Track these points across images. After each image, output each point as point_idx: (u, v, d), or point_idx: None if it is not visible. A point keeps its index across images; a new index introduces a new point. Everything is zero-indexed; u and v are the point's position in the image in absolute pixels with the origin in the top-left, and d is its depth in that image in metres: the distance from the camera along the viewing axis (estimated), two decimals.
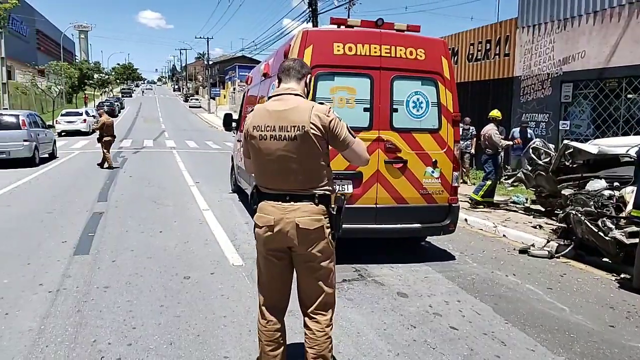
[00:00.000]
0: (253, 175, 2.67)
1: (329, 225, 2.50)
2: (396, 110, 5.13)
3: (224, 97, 65.08)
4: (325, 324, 2.56)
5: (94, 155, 17.61)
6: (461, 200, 6.88)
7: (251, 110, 2.64)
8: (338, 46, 4.97)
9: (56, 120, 27.56)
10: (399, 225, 5.22)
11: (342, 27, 5.20)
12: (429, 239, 6.37)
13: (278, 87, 2.63)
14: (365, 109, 5.04)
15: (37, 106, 37.58)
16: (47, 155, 15.73)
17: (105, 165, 13.60)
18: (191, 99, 72.86)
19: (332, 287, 2.62)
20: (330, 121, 2.42)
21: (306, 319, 2.62)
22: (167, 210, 8.14)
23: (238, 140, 8.87)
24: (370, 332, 3.66)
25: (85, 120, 28.11)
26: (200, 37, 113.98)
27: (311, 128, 2.37)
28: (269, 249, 2.54)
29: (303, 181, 2.45)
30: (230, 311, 3.95)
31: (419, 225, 5.27)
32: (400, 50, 5.11)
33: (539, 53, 12.50)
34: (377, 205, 5.14)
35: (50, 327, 3.57)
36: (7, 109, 20.75)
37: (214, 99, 59.45)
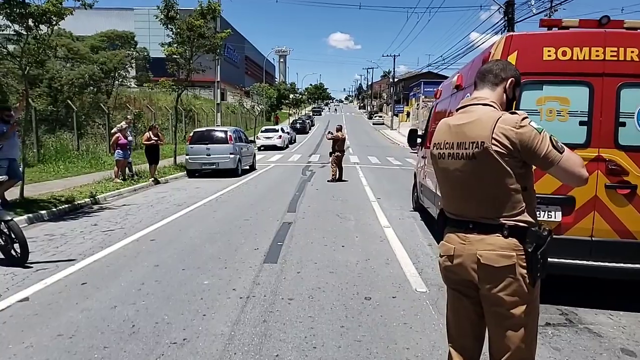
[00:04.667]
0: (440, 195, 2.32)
1: (524, 264, 1.98)
2: (623, 124, 4.21)
3: (407, 114, 65.38)
4: None
5: (286, 168, 19.07)
6: None
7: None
8: (549, 51, 4.30)
9: (256, 136, 30.83)
10: (622, 265, 4.24)
11: (555, 29, 4.52)
12: None
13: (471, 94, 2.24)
14: (582, 123, 4.25)
15: (242, 123, 42.72)
16: (247, 167, 17.54)
17: (329, 178, 14.64)
18: (375, 116, 75.04)
19: (527, 342, 2.05)
20: (523, 135, 1.92)
21: None
22: (349, 224, 8.19)
23: (422, 157, 8.52)
24: None
25: (280, 137, 31.08)
26: (387, 55, 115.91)
27: (493, 144, 1.94)
28: (450, 281, 2.22)
29: (489, 208, 2.03)
30: (413, 343, 3.60)
31: None
32: (632, 52, 4.19)
33: None
34: (593, 238, 4.26)
35: (239, 334, 3.70)
36: (219, 125, 23.86)
37: (397, 115, 60.14)
